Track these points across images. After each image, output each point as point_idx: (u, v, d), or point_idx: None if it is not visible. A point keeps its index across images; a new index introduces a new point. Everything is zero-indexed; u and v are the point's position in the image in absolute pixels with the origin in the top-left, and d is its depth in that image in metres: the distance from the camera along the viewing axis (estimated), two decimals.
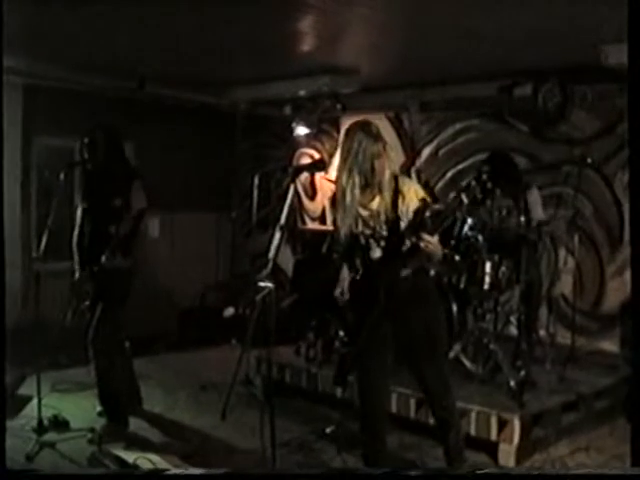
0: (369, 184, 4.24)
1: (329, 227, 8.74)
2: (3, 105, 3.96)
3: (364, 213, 4.30)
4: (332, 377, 5.83)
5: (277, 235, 4.25)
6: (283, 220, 4.26)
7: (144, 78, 8.32)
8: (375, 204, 4.28)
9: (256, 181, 7.95)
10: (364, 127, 4.27)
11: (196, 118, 9.70)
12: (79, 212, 5.89)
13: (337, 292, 4.50)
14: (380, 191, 4.24)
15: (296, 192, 10.12)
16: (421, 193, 4.26)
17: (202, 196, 9.89)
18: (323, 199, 10.02)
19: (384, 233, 4.25)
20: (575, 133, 7.72)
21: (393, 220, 4.22)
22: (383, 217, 4.25)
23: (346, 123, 9.44)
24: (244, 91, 9.17)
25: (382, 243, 4.27)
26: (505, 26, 5.90)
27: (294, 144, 10.21)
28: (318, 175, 9.78)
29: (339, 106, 8.97)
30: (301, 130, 9.78)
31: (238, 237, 10.36)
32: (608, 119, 7.39)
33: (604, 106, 7.41)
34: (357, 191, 4.22)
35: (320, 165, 4.75)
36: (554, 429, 5.63)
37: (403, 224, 4.17)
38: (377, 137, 4.24)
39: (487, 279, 6.12)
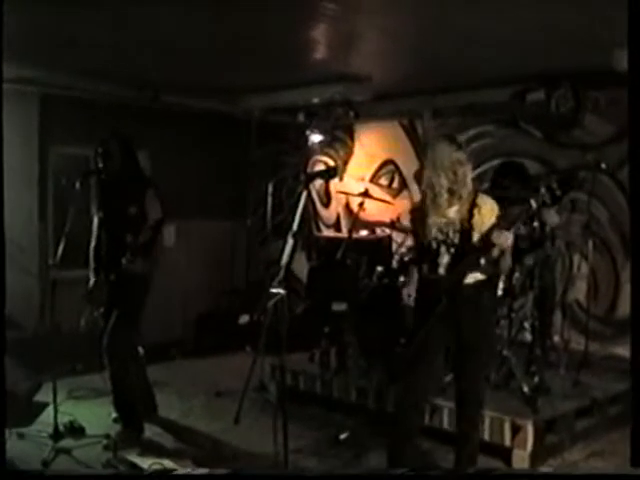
0: (449, 191, 4.38)
1: (344, 234, 8.80)
2: (2, 109, 3.98)
3: (440, 221, 4.43)
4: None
5: (290, 242, 4.28)
6: (296, 227, 4.29)
7: (158, 88, 8.38)
8: (452, 212, 4.41)
9: (270, 188, 7.99)
10: (448, 137, 4.55)
11: (211, 126, 9.74)
12: (95, 221, 5.94)
13: (405, 293, 4.63)
14: (459, 200, 4.39)
15: (311, 199, 10.15)
16: (497, 210, 4.41)
17: (217, 204, 9.91)
18: (337, 206, 10.05)
19: (456, 241, 4.39)
20: (588, 138, 7.71)
21: (466, 230, 4.36)
22: (458, 226, 4.39)
23: (360, 130, 9.65)
24: (258, 99, 9.20)
25: (452, 250, 4.39)
26: (517, 32, 5.91)
27: (308, 151, 10.23)
28: (332, 183, 9.81)
29: (352, 113, 9.01)
30: (315, 137, 9.83)
31: (253, 244, 10.41)
32: (621, 124, 7.36)
33: (617, 111, 7.37)
34: (446, 195, 4.37)
35: (332, 172, 4.78)
36: (568, 434, 5.63)
37: (475, 234, 4.32)
38: (460, 146, 4.48)
39: (501, 285, 6.13)
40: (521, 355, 6.13)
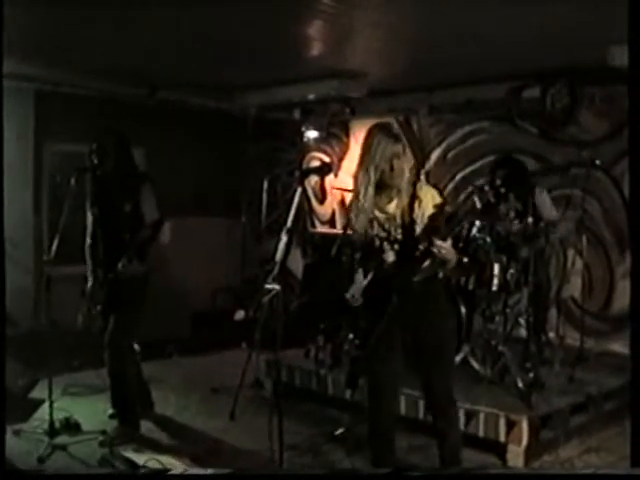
0: (387, 185, 4.22)
1: (339, 230, 8.80)
2: (3, 108, 3.97)
3: (380, 216, 4.27)
4: (344, 380, 5.89)
5: (284, 238, 4.26)
6: (290, 223, 4.27)
7: (155, 85, 8.38)
8: (392, 207, 4.26)
9: (265, 185, 7.99)
10: (384, 128, 4.30)
11: (207, 123, 9.74)
12: (90, 217, 5.92)
13: (349, 294, 4.44)
14: (398, 194, 4.23)
15: (306, 196, 10.16)
16: (438, 199, 4.20)
17: (213, 200, 9.93)
18: (333, 202, 10.06)
19: (399, 237, 4.23)
20: (583, 135, 7.73)
21: (409, 224, 4.18)
22: (399, 221, 4.22)
23: (355, 127, 9.65)
24: (254, 95, 9.20)
25: (396, 247, 4.24)
26: (513, 28, 5.91)
27: (304, 148, 10.25)
28: (328, 179, 9.82)
29: (347, 110, 9.02)
30: (311, 134, 9.85)
31: (249, 241, 10.41)
32: (616, 121, 7.38)
33: (612, 108, 7.41)
34: (372, 190, 4.19)
35: (327, 169, 4.76)
36: (563, 430, 5.63)
37: (418, 228, 4.14)
38: (397, 138, 4.23)
39: (495, 281, 6.13)
40: (516, 351, 6.13)
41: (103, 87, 8.36)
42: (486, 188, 4.93)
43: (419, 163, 9.08)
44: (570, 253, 7.53)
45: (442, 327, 4.43)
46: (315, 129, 9.81)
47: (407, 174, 4.22)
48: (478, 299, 6.21)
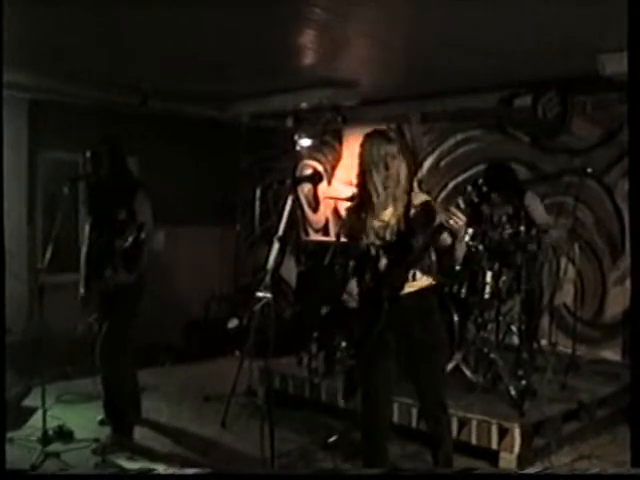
0: (385, 189, 4.25)
1: (332, 238, 8.81)
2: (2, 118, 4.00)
3: (376, 224, 4.31)
4: (341, 391, 5.92)
5: (275, 246, 4.27)
6: (281, 231, 4.28)
7: (146, 94, 8.39)
8: (387, 215, 4.30)
9: (258, 194, 7.99)
10: (376, 131, 4.41)
11: (200, 132, 9.75)
12: (87, 226, 5.92)
13: (344, 297, 4.50)
14: (394, 202, 4.27)
15: (299, 204, 10.17)
16: (425, 197, 4.30)
17: (206, 209, 9.94)
18: (326, 211, 10.07)
19: (394, 244, 4.26)
20: (575, 143, 7.75)
21: (404, 232, 4.22)
22: (395, 228, 4.26)
23: (348, 135, 9.67)
24: (247, 104, 9.23)
25: (391, 255, 4.27)
26: (504, 38, 5.95)
27: (297, 156, 10.26)
28: (321, 187, 9.83)
29: (340, 118, 9.05)
30: (304, 142, 9.87)
31: (242, 249, 10.42)
32: (608, 128, 7.43)
33: (603, 115, 7.45)
34: (382, 190, 4.25)
35: (318, 177, 4.78)
36: (555, 438, 5.64)
37: (413, 236, 4.16)
38: (390, 139, 4.33)
39: (488, 288, 6.14)
40: (508, 358, 6.14)
41: (97, 96, 8.36)
42: (469, 189, 4.95)
43: (411, 171, 9.08)
44: (562, 261, 7.54)
45: (433, 335, 4.44)
46: (308, 137, 9.83)
47: (403, 181, 4.28)
48: (471, 307, 6.23)
